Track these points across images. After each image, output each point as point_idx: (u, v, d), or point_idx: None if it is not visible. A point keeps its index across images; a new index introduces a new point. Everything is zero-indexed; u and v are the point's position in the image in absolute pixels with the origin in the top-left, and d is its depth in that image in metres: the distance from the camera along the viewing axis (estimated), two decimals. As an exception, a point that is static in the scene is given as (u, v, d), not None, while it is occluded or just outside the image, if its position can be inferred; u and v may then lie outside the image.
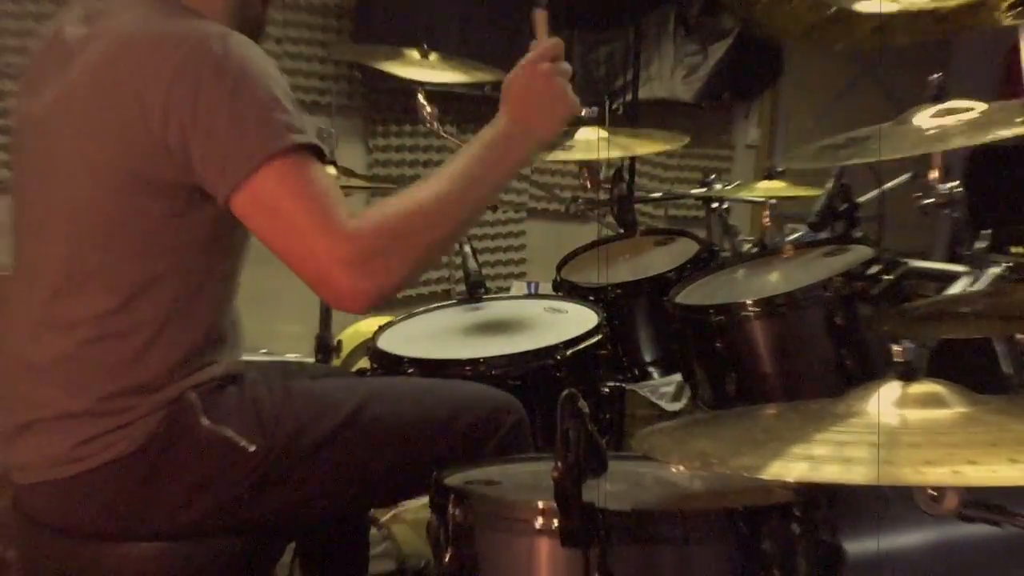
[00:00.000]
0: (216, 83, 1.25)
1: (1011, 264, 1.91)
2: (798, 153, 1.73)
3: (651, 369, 2.32)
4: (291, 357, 2.70)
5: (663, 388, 2.34)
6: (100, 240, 1.31)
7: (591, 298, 2.17)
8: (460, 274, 2.36)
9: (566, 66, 1.48)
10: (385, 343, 1.92)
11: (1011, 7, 1.55)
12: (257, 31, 1.51)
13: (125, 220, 1.30)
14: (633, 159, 3.72)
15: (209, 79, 1.25)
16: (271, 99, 1.27)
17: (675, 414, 2.30)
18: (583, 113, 2.52)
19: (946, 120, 1.57)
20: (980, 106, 1.60)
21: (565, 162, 3.67)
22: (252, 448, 1.35)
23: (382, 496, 1.76)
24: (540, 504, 1.07)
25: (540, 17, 1.51)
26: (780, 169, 2.68)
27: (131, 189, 1.29)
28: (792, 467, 0.91)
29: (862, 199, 2.05)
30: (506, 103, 1.45)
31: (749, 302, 1.87)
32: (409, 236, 1.30)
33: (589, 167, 2.53)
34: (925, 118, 1.61)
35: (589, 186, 2.50)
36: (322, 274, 1.25)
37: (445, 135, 2.91)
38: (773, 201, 2.67)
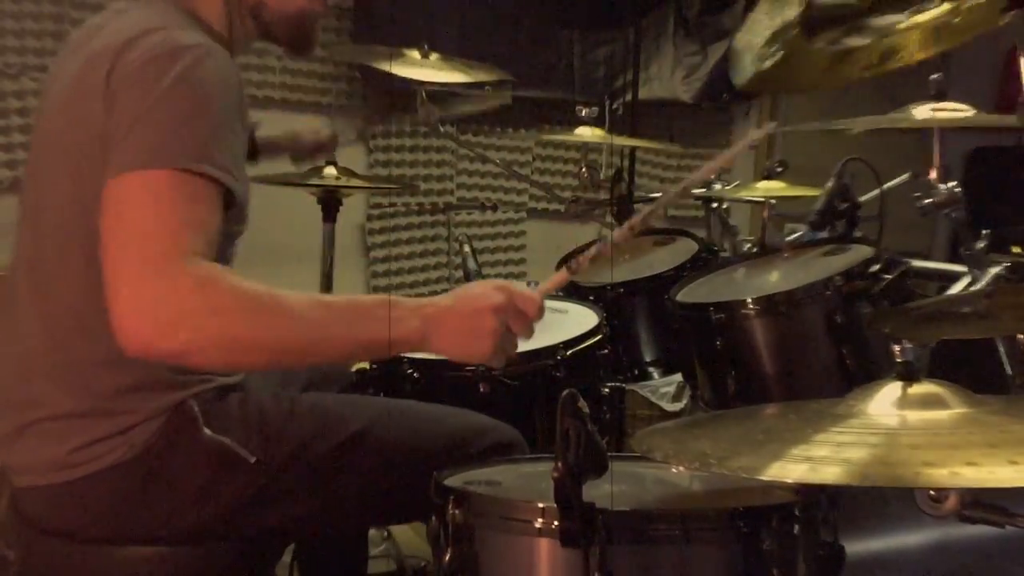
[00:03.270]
0: (154, 82, 1.22)
1: (1011, 264, 1.91)
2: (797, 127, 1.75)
3: (651, 369, 2.32)
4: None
5: (663, 388, 2.34)
6: (85, 235, 1.29)
7: (591, 298, 2.17)
8: (460, 274, 2.36)
9: (526, 330, 1.30)
10: (385, 343, 1.91)
11: (1007, 8, 1.56)
12: (294, 40, 1.49)
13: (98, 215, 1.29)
14: (633, 159, 3.72)
15: (152, 78, 1.22)
16: (197, 116, 1.21)
17: (675, 414, 2.30)
18: (583, 113, 2.54)
19: (941, 115, 1.59)
20: (973, 111, 1.62)
21: (566, 157, 3.66)
22: (253, 459, 1.35)
23: (379, 517, 1.77)
24: (540, 504, 1.07)
25: (559, 276, 1.37)
26: (779, 169, 2.68)
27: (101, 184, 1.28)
28: (792, 468, 0.91)
29: (862, 199, 2.05)
30: (447, 300, 1.27)
31: (749, 300, 1.87)
32: (217, 315, 1.14)
33: (589, 166, 2.54)
34: (923, 111, 1.63)
35: (589, 186, 2.51)
36: (114, 295, 1.14)
37: (445, 135, 2.91)
38: (773, 201, 2.67)
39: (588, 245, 2.62)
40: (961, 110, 1.70)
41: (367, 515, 1.60)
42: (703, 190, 2.78)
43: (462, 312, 1.25)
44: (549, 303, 2.12)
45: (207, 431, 1.34)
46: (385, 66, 2.52)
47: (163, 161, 1.18)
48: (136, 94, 1.23)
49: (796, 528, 1.09)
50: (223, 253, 1.37)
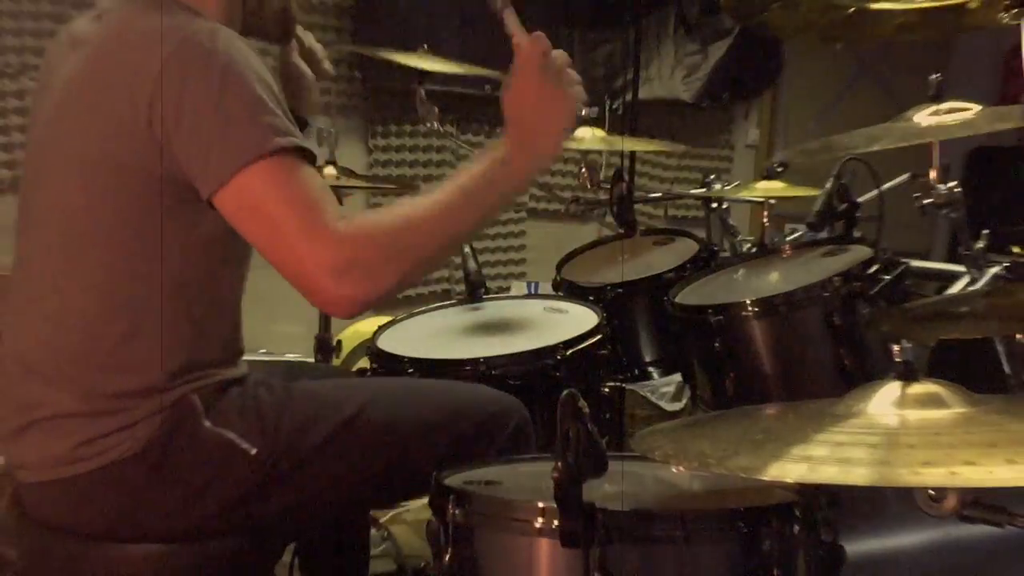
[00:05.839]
0: (202, 80, 1.25)
1: (1010, 264, 1.91)
2: (799, 150, 1.71)
3: (651, 369, 2.32)
4: (291, 357, 2.70)
5: (663, 388, 2.34)
6: (92, 237, 1.31)
7: (591, 298, 2.17)
8: (460, 274, 2.36)
9: (558, 58, 1.40)
10: (385, 343, 1.92)
11: (1010, 7, 1.55)
12: (280, 34, 1.51)
13: (116, 217, 1.30)
14: (633, 159, 3.72)
15: (195, 76, 1.25)
16: (257, 100, 1.26)
17: (675, 414, 2.30)
18: (583, 112, 2.54)
19: (944, 118, 1.57)
20: (976, 108, 1.60)
21: (566, 157, 3.67)
22: (254, 451, 1.35)
23: (383, 496, 1.76)
24: (540, 504, 1.07)
25: (510, 18, 1.42)
26: (779, 168, 2.68)
27: (122, 186, 1.29)
28: (791, 468, 0.91)
29: (861, 199, 2.05)
30: (507, 122, 1.40)
31: (749, 302, 1.87)
32: (398, 248, 1.29)
33: (589, 166, 2.54)
34: (924, 116, 1.61)
35: (589, 186, 2.51)
36: (306, 278, 1.24)
37: (445, 134, 2.91)
38: (772, 201, 2.67)
39: (589, 246, 2.63)
40: (962, 108, 1.70)
41: (371, 495, 1.59)
42: (703, 190, 2.78)
43: (528, 122, 1.38)
44: (550, 303, 2.14)
45: (208, 424, 1.34)
46: (387, 55, 2.50)
47: (258, 151, 1.24)
48: (191, 102, 1.24)
49: (796, 528, 1.09)
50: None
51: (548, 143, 1.40)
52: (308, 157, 1.29)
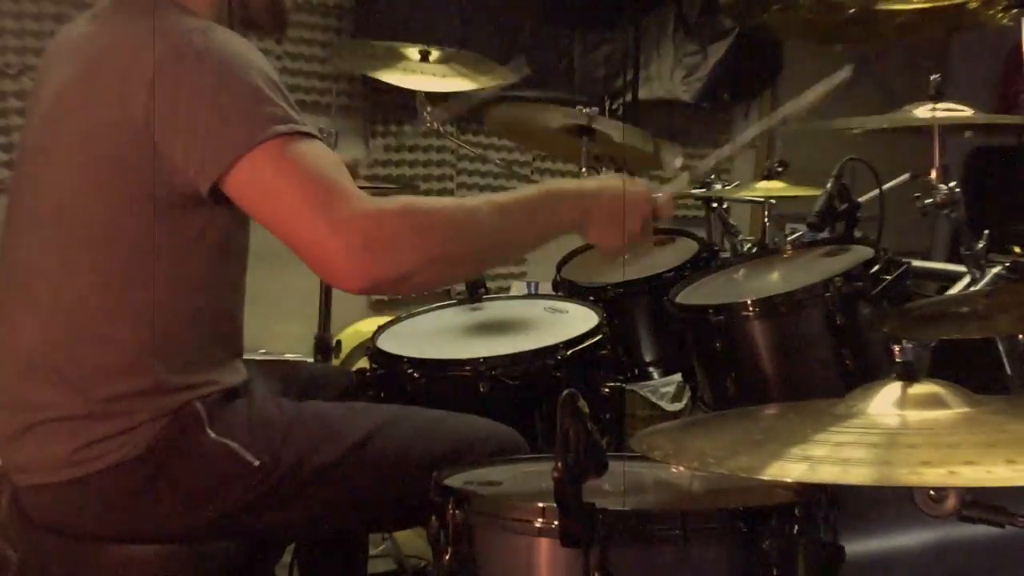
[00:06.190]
0: (197, 78, 1.25)
1: (1011, 264, 1.91)
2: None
3: (651, 369, 2.32)
4: (291, 357, 2.70)
5: (663, 388, 2.34)
6: (88, 237, 1.31)
7: (591, 298, 2.17)
8: (460, 274, 2.36)
9: (653, 225, 1.53)
10: (385, 343, 1.91)
11: (1010, 7, 1.55)
12: (271, 24, 1.51)
13: (112, 217, 1.30)
14: (633, 159, 3.72)
15: (190, 75, 1.25)
16: (254, 90, 1.26)
17: (675, 414, 2.30)
18: (585, 112, 2.54)
19: (940, 114, 1.56)
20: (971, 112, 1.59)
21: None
22: (257, 463, 1.34)
23: (382, 523, 1.77)
24: (540, 504, 1.07)
25: (680, 181, 1.67)
26: (779, 168, 2.68)
27: (115, 187, 1.29)
28: (791, 468, 0.91)
29: (862, 199, 2.05)
30: (594, 188, 1.44)
31: (749, 302, 1.86)
32: (427, 234, 1.27)
33: (589, 166, 2.54)
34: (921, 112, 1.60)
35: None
36: (321, 252, 1.23)
37: (445, 134, 2.91)
38: (773, 201, 2.67)
39: (589, 246, 2.62)
40: (959, 110, 1.70)
41: (370, 521, 1.60)
42: (703, 190, 2.78)
43: (612, 208, 1.44)
44: (550, 303, 2.14)
45: (212, 433, 1.34)
46: (384, 75, 2.51)
47: (260, 137, 1.23)
48: (186, 101, 1.24)
49: (796, 528, 1.09)
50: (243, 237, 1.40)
51: (596, 235, 1.47)
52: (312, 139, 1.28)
